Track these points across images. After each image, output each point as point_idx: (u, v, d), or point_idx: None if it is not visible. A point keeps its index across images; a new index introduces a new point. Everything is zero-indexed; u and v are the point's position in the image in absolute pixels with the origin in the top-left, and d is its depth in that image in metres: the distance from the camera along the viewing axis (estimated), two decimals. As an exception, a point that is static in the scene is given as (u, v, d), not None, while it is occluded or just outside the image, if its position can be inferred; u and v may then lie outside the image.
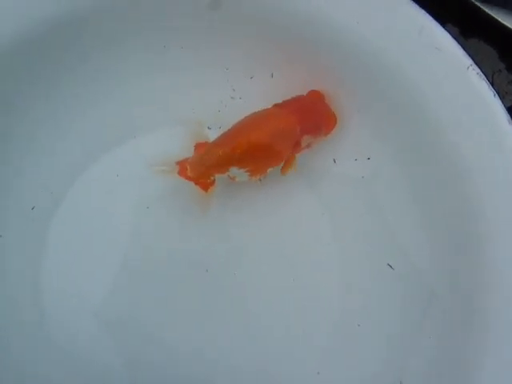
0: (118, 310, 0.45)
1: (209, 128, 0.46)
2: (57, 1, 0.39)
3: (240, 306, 0.45)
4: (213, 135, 0.42)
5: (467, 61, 0.37)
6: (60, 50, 0.42)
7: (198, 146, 0.42)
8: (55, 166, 0.47)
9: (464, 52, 0.37)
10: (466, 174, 0.38)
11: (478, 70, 0.37)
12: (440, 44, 0.37)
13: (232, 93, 0.46)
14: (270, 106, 0.42)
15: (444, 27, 0.37)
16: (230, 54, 0.44)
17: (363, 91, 0.42)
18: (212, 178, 0.41)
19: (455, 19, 0.46)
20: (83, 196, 0.47)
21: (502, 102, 0.37)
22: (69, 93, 0.45)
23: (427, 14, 0.37)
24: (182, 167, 0.41)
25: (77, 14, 0.40)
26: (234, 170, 0.40)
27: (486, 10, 0.42)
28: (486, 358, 0.37)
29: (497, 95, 0.37)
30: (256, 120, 0.41)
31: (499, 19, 0.42)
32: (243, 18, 0.42)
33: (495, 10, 0.42)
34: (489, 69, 0.46)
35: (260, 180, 0.44)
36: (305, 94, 0.43)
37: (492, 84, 0.37)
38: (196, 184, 0.42)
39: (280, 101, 0.42)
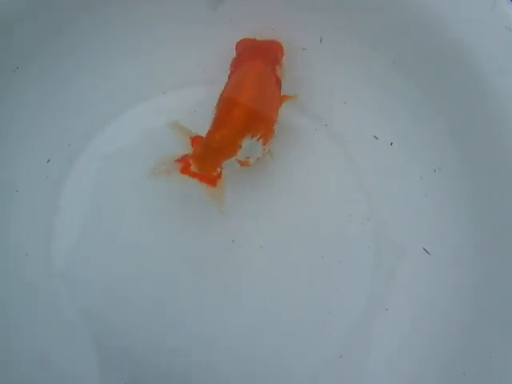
0: (128, 287, 0.43)
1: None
2: None
3: (265, 283, 0.42)
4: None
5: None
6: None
7: (194, 140, 0.39)
8: (75, 119, 0.44)
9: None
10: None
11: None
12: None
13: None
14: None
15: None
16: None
17: (424, 66, 0.40)
18: (218, 169, 0.38)
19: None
20: (101, 152, 0.44)
21: None
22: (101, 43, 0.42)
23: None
24: (185, 164, 0.38)
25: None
26: (247, 144, 0.37)
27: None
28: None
29: None
30: (239, 83, 0.39)
31: None
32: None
33: None
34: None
35: (272, 156, 0.41)
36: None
37: None
38: (201, 181, 0.38)
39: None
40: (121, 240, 0.43)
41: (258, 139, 0.38)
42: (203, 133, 0.38)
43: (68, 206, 0.43)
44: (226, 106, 0.38)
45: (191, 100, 0.44)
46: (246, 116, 0.37)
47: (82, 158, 0.44)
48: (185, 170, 0.38)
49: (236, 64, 0.41)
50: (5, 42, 0.39)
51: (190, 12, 0.42)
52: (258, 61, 0.40)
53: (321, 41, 0.42)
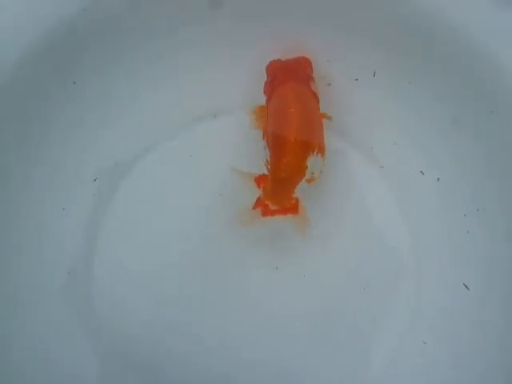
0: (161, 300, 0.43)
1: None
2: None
3: (305, 309, 0.43)
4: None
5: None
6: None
7: (259, 180, 0.40)
8: (124, 139, 0.44)
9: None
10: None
11: None
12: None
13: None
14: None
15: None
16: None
17: (473, 108, 0.40)
18: (294, 196, 0.38)
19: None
20: (148, 173, 0.44)
21: None
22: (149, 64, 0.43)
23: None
24: (263, 207, 0.39)
25: None
26: (311, 162, 0.38)
27: None
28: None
29: None
30: (284, 108, 0.39)
31: None
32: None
33: None
34: None
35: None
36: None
37: None
38: (285, 214, 0.39)
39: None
40: (162, 260, 0.44)
41: (317, 153, 0.39)
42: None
43: (112, 224, 0.44)
44: (281, 134, 0.38)
45: (225, 129, 0.44)
46: (302, 138, 0.37)
47: (128, 179, 0.44)
48: (266, 212, 0.39)
49: (270, 88, 0.41)
50: (68, 58, 0.39)
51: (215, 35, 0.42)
52: (293, 82, 0.40)
53: (374, 74, 0.42)
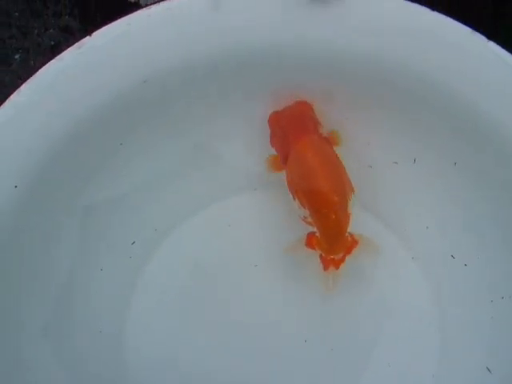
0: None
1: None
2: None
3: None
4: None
5: None
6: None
7: (310, 243, 0.41)
8: (165, 205, 0.45)
9: None
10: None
11: None
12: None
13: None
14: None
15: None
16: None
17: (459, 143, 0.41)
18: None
19: None
20: (187, 240, 0.45)
21: None
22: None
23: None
24: (326, 262, 0.41)
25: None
26: (351, 205, 0.39)
27: None
28: None
29: None
30: (308, 168, 0.39)
31: None
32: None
33: None
34: None
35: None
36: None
37: None
38: (349, 253, 0.41)
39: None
40: (194, 324, 0.44)
41: (352, 193, 0.40)
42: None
43: (146, 287, 0.44)
44: (319, 196, 0.39)
45: (264, 200, 0.46)
46: (337, 191, 0.38)
47: (166, 244, 0.44)
48: (330, 265, 0.40)
49: (280, 143, 0.41)
50: (118, 127, 0.40)
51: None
52: (302, 135, 0.40)
53: (414, 161, 0.44)
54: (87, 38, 0.38)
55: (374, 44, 0.38)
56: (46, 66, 0.38)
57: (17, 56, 0.49)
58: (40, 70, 0.38)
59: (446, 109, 0.39)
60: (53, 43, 0.49)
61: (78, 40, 0.47)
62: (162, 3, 0.39)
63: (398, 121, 0.43)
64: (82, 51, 0.37)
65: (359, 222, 0.41)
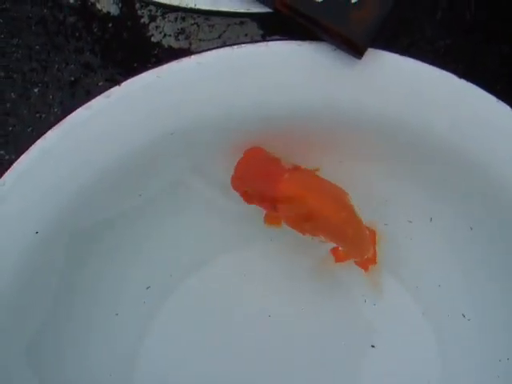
0: None
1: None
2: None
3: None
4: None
5: None
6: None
7: (338, 258, 0.42)
8: (181, 252, 0.45)
9: None
10: None
11: None
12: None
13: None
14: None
15: None
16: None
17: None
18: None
19: None
20: (202, 286, 0.45)
21: None
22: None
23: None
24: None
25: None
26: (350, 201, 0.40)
27: None
28: None
29: None
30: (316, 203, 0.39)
31: None
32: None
33: None
34: None
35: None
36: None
37: None
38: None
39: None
40: (207, 371, 0.44)
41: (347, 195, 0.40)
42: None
43: (159, 331, 0.44)
44: (324, 220, 0.38)
45: (280, 249, 0.47)
46: (339, 203, 0.39)
47: (181, 290, 0.45)
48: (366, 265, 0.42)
49: (259, 200, 0.40)
50: (140, 167, 0.40)
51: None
52: (273, 182, 0.38)
53: (431, 220, 0.44)
54: (116, 87, 0.38)
55: (399, 106, 0.39)
56: (74, 113, 0.38)
57: (36, 89, 0.49)
58: (67, 118, 0.39)
59: (467, 173, 0.40)
60: (73, 79, 0.48)
61: (97, 77, 0.48)
62: (191, 57, 0.39)
63: (416, 180, 0.43)
64: (110, 100, 0.37)
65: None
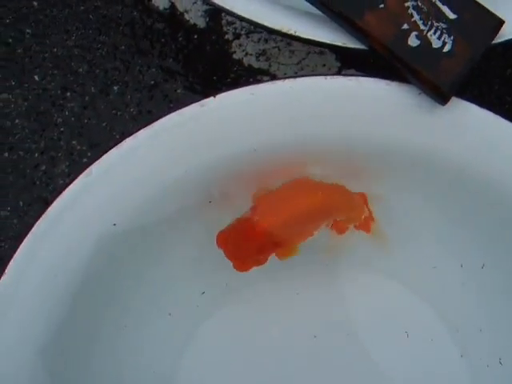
0: None
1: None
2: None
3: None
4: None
5: None
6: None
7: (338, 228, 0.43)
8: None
9: None
10: None
11: None
12: None
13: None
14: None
15: None
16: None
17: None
18: None
19: None
20: (254, 299, 0.46)
21: None
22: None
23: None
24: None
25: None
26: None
27: None
28: None
29: None
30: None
31: None
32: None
33: None
34: None
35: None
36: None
37: None
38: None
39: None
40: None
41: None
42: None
43: (207, 336, 0.46)
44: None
45: None
46: (332, 195, 0.41)
47: (235, 297, 0.46)
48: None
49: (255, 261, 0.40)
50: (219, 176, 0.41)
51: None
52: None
53: (483, 267, 0.46)
54: (211, 98, 0.40)
55: (474, 155, 0.41)
56: (167, 117, 0.40)
57: (116, 87, 0.51)
58: (160, 120, 0.40)
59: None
60: (152, 82, 0.50)
61: (177, 84, 0.50)
62: (285, 81, 0.41)
63: (472, 226, 0.45)
64: (204, 109, 0.39)
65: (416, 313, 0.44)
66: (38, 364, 0.37)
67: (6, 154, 0.51)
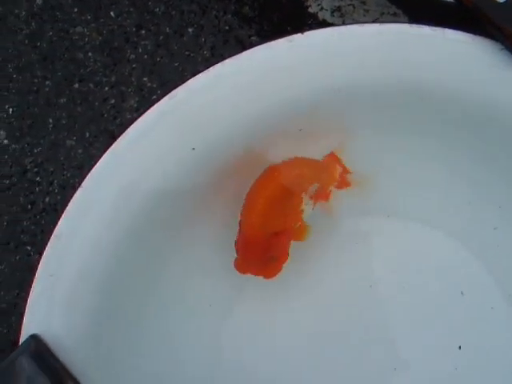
0: None
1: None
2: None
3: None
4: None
5: None
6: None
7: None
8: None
9: None
10: None
11: None
12: None
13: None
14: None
15: None
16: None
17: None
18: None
19: None
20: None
21: None
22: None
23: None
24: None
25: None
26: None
27: None
28: None
29: None
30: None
31: None
32: None
33: None
34: None
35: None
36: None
37: None
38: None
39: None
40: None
41: None
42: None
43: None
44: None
45: None
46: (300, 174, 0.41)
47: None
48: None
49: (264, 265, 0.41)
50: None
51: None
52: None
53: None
54: (299, 34, 0.41)
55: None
56: (252, 50, 0.40)
57: (190, 29, 0.52)
58: (247, 51, 0.41)
59: None
60: (227, 28, 0.51)
61: (251, 31, 0.50)
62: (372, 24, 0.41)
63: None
64: (292, 44, 0.40)
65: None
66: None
67: (77, 86, 0.52)
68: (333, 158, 0.43)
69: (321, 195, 0.42)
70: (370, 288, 0.46)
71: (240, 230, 0.39)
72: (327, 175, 0.42)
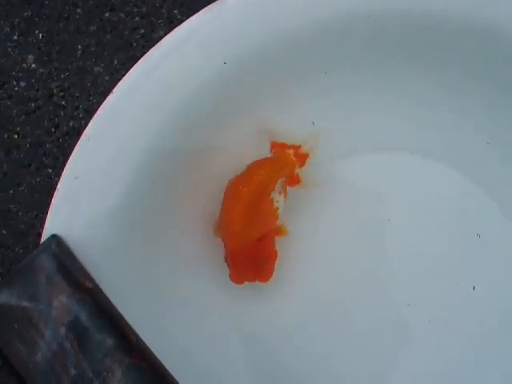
0: None
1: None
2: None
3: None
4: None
5: None
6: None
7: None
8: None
9: None
10: None
11: None
12: None
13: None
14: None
15: None
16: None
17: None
18: None
19: None
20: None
21: None
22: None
23: None
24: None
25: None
26: None
27: None
28: None
29: None
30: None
31: None
32: None
33: None
34: None
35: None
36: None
37: None
38: None
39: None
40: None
41: None
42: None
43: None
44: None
45: None
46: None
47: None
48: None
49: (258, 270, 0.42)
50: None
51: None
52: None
53: None
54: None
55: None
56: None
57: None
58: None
59: None
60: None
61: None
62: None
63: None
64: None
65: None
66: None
67: (107, 15, 0.52)
68: (278, 146, 0.43)
69: (291, 182, 0.43)
70: (388, 221, 0.46)
71: (225, 246, 0.40)
72: (285, 166, 0.42)
